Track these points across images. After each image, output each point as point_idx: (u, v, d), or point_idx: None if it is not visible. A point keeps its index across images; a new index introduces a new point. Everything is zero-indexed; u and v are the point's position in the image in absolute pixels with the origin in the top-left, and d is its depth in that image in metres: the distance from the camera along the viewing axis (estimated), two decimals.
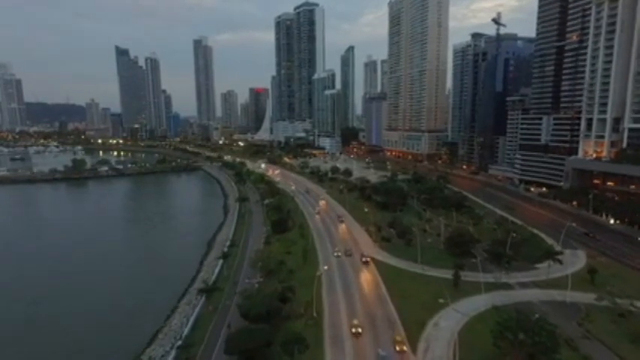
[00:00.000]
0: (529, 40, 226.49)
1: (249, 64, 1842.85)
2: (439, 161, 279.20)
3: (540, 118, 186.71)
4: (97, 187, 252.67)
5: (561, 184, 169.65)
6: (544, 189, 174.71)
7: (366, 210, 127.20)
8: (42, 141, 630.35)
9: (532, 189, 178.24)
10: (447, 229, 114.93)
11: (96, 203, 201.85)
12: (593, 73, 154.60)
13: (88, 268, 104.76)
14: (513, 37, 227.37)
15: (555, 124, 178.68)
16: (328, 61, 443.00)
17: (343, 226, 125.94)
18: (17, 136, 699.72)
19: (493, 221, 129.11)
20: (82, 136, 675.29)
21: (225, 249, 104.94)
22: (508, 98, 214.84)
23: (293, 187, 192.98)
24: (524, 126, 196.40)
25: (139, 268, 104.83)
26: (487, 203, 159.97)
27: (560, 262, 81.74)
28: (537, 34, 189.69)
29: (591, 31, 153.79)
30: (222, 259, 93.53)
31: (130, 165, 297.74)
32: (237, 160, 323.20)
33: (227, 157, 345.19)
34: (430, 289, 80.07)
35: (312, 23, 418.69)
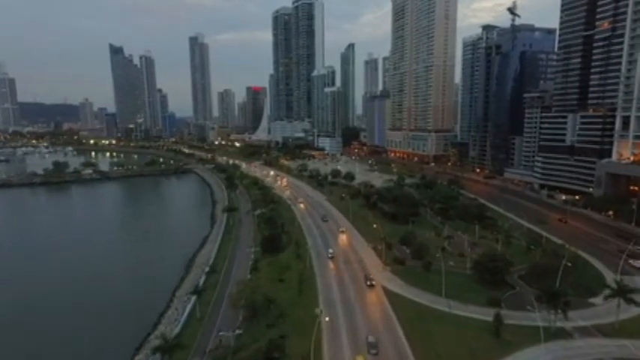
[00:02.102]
0: (548, 32, 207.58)
1: (250, 64, 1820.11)
2: (448, 163, 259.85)
3: (565, 117, 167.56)
4: (77, 193, 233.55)
5: (590, 190, 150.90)
6: (576, 197, 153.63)
7: (374, 226, 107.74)
8: (33, 142, 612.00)
9: (563, 197, 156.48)
10: (472, 249, 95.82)
11: (70, 212, 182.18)
12: (630, 64, 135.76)
13: (32, 308, 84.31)
14: (530, 28, 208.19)
15: (583, 123, 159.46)
16: (328, 61, 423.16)
17: (373, 296, 77.06)
18: (9, 137, 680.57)
19: (523, 237, 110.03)
20: (75, 137, 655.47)
21: (203, 277, 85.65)
22: (525, 95, 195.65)
23: (302, 206, 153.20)
24: (546, 125, 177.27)
25: (98, 303, 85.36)
26: (509, 213, 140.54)
27: (636, 302, 62.54)
28: (561, 22, 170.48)
29: (629, 16, 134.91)
30: (196, 294, 74.11)
31: (116, 168, 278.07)
32: (232, 161, 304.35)
33: (222, 159, 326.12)
34: (463, 338, 61.11)
35: (311, 18, 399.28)
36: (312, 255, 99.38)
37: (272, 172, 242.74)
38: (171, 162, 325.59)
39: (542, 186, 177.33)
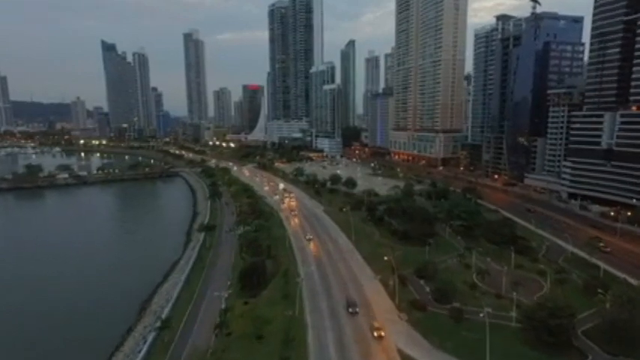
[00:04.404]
0: (574, 20, 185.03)
1: (250, 64, 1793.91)
2: (460, 167, 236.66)
3: (600, 115, 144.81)
4: (48, 200, 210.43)
5: (634, 202, 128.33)
6: (628, 212, 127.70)
7: (386, 258, 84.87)
8: (22, 142, 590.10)
9: (611, 212, 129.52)
10: (514, 287, 72.83)
11: (26, 225, 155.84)
12: None
13: None
14: (554, 16, 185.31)
15: (624, 123, 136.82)
16: (327, 59, 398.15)
17: None
18: None
19: (573, 268, 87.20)
20: (66, 137, 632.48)
21: (152, 335, 62.55)
22: (550, 91, 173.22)
23: (312, 247, 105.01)
24: (577, 125, 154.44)
25: None
26: (541, 230, 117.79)
27: None
28: (595, 7, 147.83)
29: None
30: None
31: (95, 171, 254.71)
32: (223, 164, 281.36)
33: (212, 161, 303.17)
34: None
35: (309, 11, 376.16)
36: (303, 291, 77.09)
37: (281, 186, 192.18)
38: (163, 164, 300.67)
39: (570, 195, 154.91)
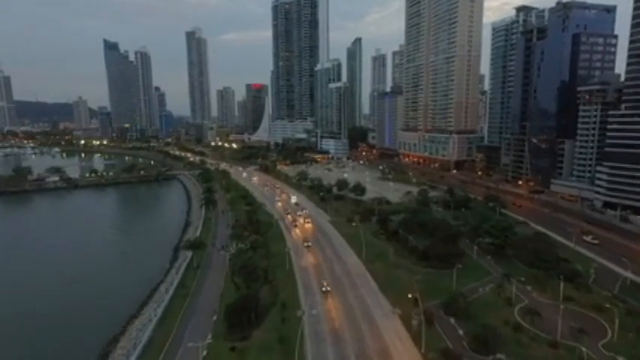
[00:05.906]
0: (606, 10, 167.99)
1: (255, 64, 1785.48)
2: (478, 172, 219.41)
3: None
4: (32, 205, 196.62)
5: None
6: None
7: (410, 296, 68.89)
8: (24, 142, 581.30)
9: None
10: (574, 334, 56.89)
11: None
12: None
13: None
14: (583, 5, 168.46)
15: None
16: (332, 57, 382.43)
17: None
18: (1, 136, 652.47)
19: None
20: (67, 137, 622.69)
21: None
22: (580, 88, 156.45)
23: (318, 276, 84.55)
24: (615, 126, 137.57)
25: None
26: (582, 247, 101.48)
27: None
28: None
29: None
30: None
31: (88, 174, 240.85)
32: (224, 166, 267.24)
33: (213, 163, 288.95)
34: None
35: (314, 6, 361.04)
36: (305, 332, 62.10)
37: (294, 199, 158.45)
38: (162, 166, 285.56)
39: (605, 204, 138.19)
